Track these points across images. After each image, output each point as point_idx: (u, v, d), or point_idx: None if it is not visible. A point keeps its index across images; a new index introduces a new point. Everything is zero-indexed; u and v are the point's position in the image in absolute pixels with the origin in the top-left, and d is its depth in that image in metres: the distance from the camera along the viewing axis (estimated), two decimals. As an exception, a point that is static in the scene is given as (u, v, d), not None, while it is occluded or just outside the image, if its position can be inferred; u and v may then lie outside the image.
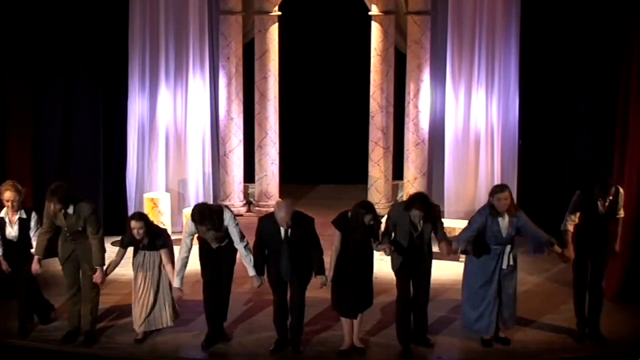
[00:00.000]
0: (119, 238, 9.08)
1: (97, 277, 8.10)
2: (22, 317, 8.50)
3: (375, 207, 8.14)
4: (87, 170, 11.55)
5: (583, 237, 8.24)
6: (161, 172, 12.26)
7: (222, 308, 8.37)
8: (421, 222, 7.97)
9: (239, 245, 8.08)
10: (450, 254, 8.17)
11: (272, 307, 8.26)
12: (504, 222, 8.00)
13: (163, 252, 8.15)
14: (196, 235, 8.27)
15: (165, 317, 8.32)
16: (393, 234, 8.10)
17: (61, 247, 8.33)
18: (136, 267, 8.28)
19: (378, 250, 8.08)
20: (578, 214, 8.22)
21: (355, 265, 7.96)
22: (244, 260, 8.09)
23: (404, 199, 11.30)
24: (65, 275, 8.41)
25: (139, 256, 8.26)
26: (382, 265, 9.04)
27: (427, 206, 7.99)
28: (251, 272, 8.04)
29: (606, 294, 8.63)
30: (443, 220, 8.42)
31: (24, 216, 8.39)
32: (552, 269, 10.74)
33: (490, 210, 8.00)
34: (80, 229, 8.16)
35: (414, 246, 8.03)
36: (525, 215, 8.10)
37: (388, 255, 8.04)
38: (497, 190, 8.06)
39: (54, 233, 8.28)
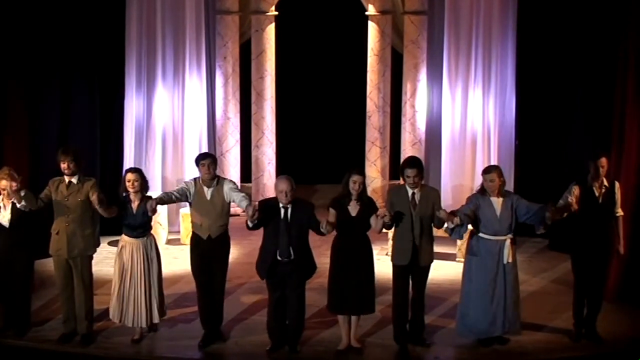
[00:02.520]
0: (115, 238, 9.05)
1: (95, 196, 7.97)
2: (19, 316, 8.45)
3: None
4: (84, 170, 11.51)
5: (584, 234, 8.23)
6: (158, 172, 12.25)
7: (217, 311, 8.32)
8: (418, 193, 7.92)
9: (241, 199, 8.04)
10: (449, 220, 7.80)
11: (267, 310, 8.17)
12: (498, 203, 7.98)
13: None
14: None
15: (147, 316, 8.20)
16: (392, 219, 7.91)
17: (53, 240, 8.19)
18: (119, 260, 8.17)
19: (379, 216, 7.81)
20: (576, 188, 8.20)
21: (353, 261, 7.90)
22: (242, 203, 7.98)
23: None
24: (57, 276, 8.31)
25: (123, 250, 8.16)
26: (381, 265, 9.04)
27: (420, 164, 7.98)
28: (245, 204, 7.89)
29: (603, 294, 8.62)
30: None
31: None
32: (549, 268, 10.76)
33: (481, 189, 8.04)
34: (80, 200, 8.12)
35: (413, 228, 7.91)
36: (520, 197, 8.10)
37: (387, 222, 7.79)
38: (485, 171, 8.12)
39: (44, 206, 8.21)
